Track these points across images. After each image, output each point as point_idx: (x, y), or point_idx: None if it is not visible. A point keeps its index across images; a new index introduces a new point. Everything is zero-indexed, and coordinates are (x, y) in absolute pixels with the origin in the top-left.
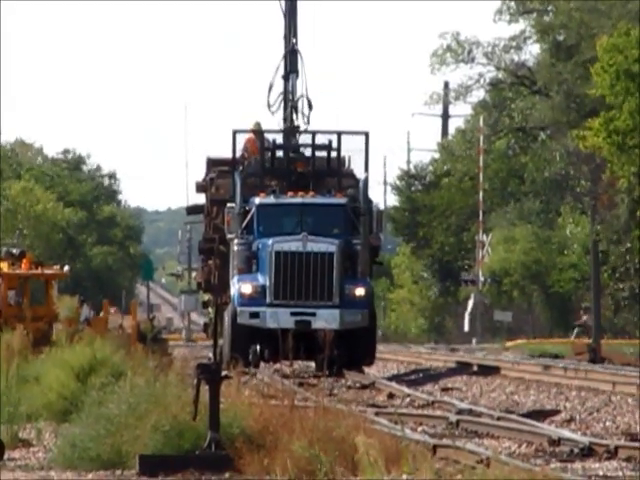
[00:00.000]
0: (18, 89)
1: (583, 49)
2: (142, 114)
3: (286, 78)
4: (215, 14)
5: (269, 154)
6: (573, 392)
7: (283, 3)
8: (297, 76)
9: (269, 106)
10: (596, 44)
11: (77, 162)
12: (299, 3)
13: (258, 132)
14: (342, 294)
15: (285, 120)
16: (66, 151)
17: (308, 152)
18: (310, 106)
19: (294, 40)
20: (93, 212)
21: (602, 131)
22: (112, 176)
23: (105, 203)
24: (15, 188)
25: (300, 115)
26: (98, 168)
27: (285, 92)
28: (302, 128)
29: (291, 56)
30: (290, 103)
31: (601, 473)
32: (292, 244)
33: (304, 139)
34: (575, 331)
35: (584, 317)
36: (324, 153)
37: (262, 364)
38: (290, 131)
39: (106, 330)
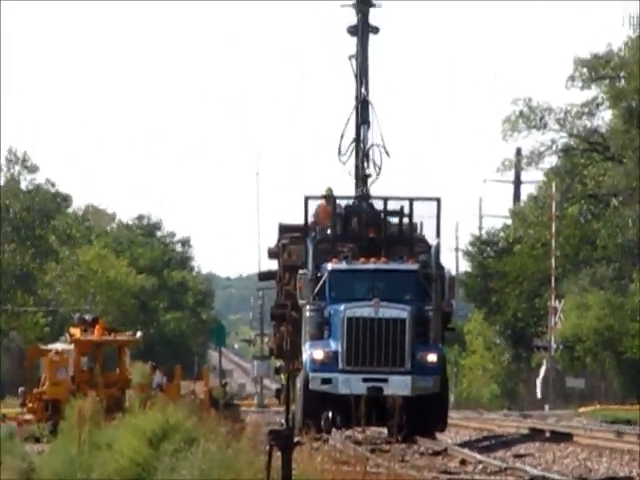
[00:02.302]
0: (91, 156)
1: None
2: (215, 181)
3: (357, 129)
4: (282, 75)
5: (340, 220)
6: None
7: (354, 62)
8: (368, 127)
9: (339, 155)
10: None
11: (152, 228)
12: (371, 66)
13: (330, 197)
14: (414, 360)
15: (357, 168)
16: (140, 217)
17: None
18: (387, 154)
19: (365, 92)
20: (164, 278)
21: None
22: (185, 242)
23: (175, 268)
24: (88, 254)
25: (372, 164)
26: (172, 234)
27: (357, 142)
28: (373, 177)
29: (362, 107)
30: (362, 152)
31: None
32: (364, 310)
33: (375, 191)
34: None
35: None
36: (396, 219)
37: (334, 430)
38: (363, 197)
39: (179, 396)
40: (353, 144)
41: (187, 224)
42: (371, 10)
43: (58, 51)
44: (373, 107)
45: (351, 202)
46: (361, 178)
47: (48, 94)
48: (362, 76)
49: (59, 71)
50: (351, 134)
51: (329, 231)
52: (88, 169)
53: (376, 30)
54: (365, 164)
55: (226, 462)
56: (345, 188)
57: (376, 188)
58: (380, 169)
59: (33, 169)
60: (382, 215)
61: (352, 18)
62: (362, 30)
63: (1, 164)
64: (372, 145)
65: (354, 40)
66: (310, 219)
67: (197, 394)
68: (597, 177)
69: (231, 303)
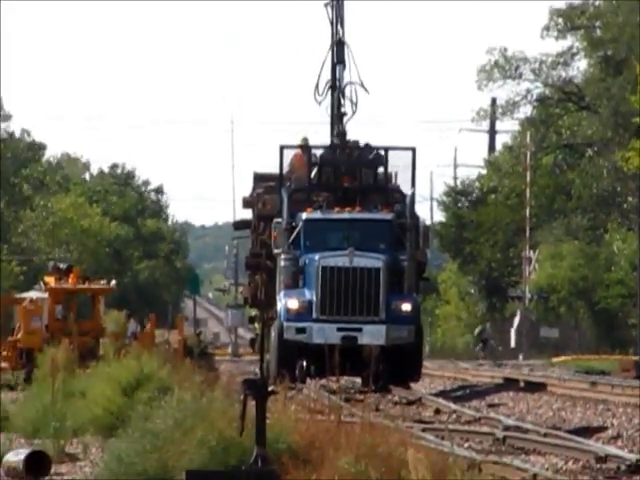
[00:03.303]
0: (65, 104)
1: (632, 64)
2: (190, 129)
3: (333, 69)
4: (262, 29)
5: (316, 169)
6: (620, 409)
7: (329, 9)
8: (344, 67)
9: (316, 95)
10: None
11: (126, 177)
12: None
13: (305, 147)
14: (388, 310)
15: (332, 107)
16: (114, 166)
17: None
18: (366, 90)
19: (341, 32)
20: (138, 227)
21: None
22: (159, 190)
23: (149, 217)
24: (63, 202)
25: (348, 102)
26: (146, 183)
27: (333, 82)
28: (349, 115)
29: (337, 47)
30: (338, 91)
31: None
32: (339, 259)
33: (352, 136)
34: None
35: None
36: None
37: (308, 379)
38: (338, 146)
39: (153, 345)
40: (328, 85)
41: (162, 173)
42: None
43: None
44: (349, 47)
45: (325, 150)
46: (337, 116)
47: (22, 42)
48: (337, 17)
49: (36, 21)
50: (327, 75)
51: (304, 180)
52: (62, 117)
53: None
54: (341, 102)
55: (200, 411)
56: (322, 137)
57: (353, 134)
58: (356, 107)
59: (6, 118)
60: (358, 164)
61: None
62: None
63: None
64: (347, 83)
65: None
66: (286, 168)
67: (171, 343)
68: (572, 127)
69: (206, 252)
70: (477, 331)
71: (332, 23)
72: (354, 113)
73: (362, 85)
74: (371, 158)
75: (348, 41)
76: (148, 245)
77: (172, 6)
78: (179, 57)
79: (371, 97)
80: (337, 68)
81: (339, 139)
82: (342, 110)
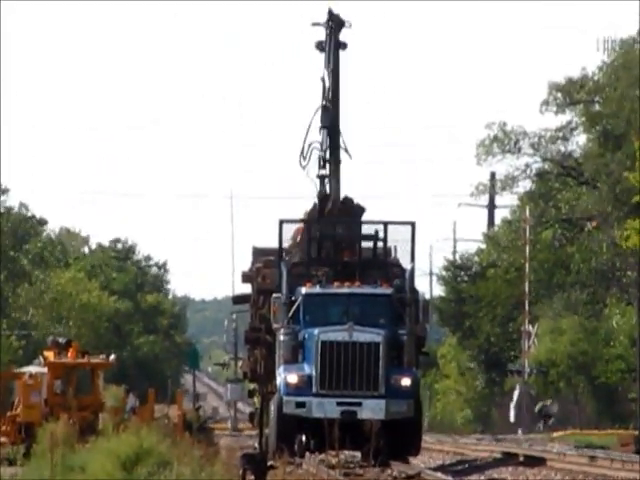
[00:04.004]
0: (65, 178)
1: (631, 138)
2: (189, 203)
3: (333, 135)
4: (255, 97)
5: (315, 243)
6: None
7: (325, 76)
8: (327, 132)
9: (301, 161)
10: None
11: (127, 252)
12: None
13: (307, 221)
14: (388, 384)
15: (321, 173)
16: (116, 240)
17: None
18: (349, 155)
19: (327, 97)
20: (137, 301)
21: None
22: (162, 266)
23: (149, 292)
24: (63, 277)
25: (328, 165)
26: (148, 258)
27: (333, 147)
28: (326, 172)
29: (322, 112)
30: (320, 154)
31: None
32: (338, 334)
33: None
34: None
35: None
36: (371, 243)
37: (308, 454)
38: (338, 221)
39: (152, 419)
40: (311, 148)
41: (162, 247)
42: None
43: (30, 68)
44: (331, 112)
45: (323, 224)
46: (319, 178)
47: (19, 117)
48: (324, 84)
49: (28, 89)
50: (310, 140)
51: (303, 255)
52: (62, 191)
53: (344, 46)
54: (322, 164)
55: None
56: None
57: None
58: (337, 166)
59: (4, 191)
60: (357, 239)
61: (320, 34)
62: (331, 47)
63: None
64: (328, 147)
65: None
66: (289, 242)
67: (171, 417)
68: (571, 201)
69: (205, 326)
70: (538, 408)
71: (325, 97)
72: (330, 172)
73: (345, 150)
74: (370, 233)
75: (343, 109)
76: (148, 319)
77: (160, 72)
78: (175, 132)
79: (371, 172)
80: (321, 132)
81: (321, 200)
82: (322, 172)
